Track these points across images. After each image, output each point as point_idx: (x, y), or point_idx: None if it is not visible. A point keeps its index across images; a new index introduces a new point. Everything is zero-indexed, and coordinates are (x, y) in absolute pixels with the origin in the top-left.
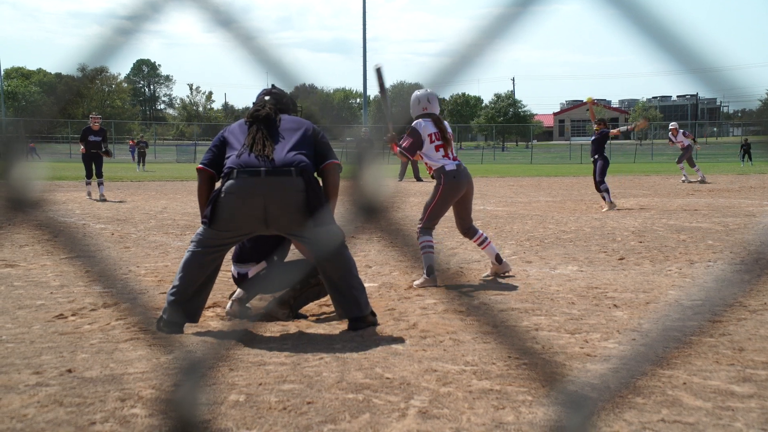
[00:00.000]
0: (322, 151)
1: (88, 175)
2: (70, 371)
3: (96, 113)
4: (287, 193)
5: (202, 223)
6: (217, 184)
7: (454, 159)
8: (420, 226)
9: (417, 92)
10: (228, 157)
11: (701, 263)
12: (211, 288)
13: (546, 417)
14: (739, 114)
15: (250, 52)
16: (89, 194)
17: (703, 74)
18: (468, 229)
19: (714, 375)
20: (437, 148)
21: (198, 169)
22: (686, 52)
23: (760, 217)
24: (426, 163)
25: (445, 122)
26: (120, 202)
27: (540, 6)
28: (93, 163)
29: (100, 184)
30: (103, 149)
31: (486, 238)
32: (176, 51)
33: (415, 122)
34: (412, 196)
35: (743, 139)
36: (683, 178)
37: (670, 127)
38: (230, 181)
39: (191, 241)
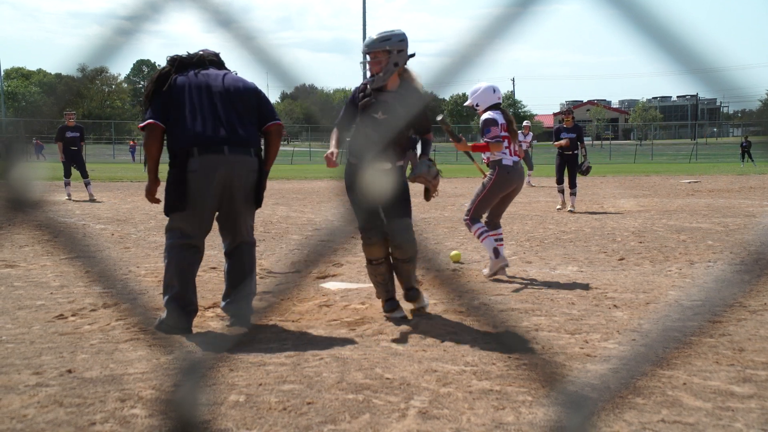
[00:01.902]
0: (265, 112)
1: (67, 174)
2: (70, 371)
3: (70, 110)
4: (246, 172)
5: (171, 210)
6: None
7: (514, 154)
8: (467, 217)
9: (488, 84)
10: (178, 121)
11: (701, 264)
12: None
13: (546, 417)
14: (739, 114)
15: (250, 52)
16: (69, 195)
17: (703, 74)
18: (494, 224)
19: (714, 375)
20: (503, 138)
21: (150, 125)
22: (686, 53)
23: (760, 217)
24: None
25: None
26: (102, 202)
27: (540, 6)
28: (74, 162)
29: (87, 184)
30: (80, 146)
31: (500, 238)
32: (176, 51)
33: (488, 114)
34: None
35: (743, 138)
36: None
37: (523, 125)
38: (192, 160)
39: (167, 232)
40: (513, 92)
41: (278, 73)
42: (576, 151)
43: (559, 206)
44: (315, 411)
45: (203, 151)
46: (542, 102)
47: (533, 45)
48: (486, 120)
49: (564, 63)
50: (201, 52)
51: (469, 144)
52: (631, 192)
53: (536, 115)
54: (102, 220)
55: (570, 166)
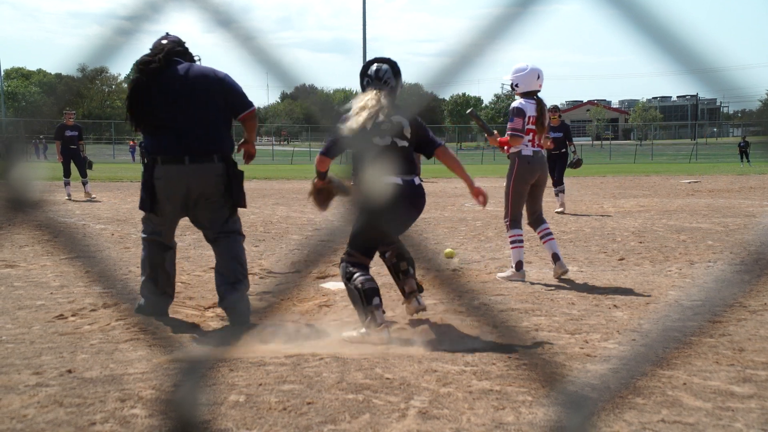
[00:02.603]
0: (235, 103)
1: (66, 174)
2: (70, 372)
3: (69, 109)
4: (209, 178)
5: (141, 208)
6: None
7: (537, 146)
8: (507, 219)
9: (534, 67)
10: (147, 130)
11: (701, 264)
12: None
13: (546, 417)
14: (739, 114)
15: (250, 52)
16: (69, 195)
17: (702, 74)
18: (537, 219)
19: (714, 375)
20: (527, 132)
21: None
22: (686, 52)
23: (760, 217)
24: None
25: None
26: (102, 202)
27: (540, 6)
28: (72, 161)
29: (84, 183)
30: (82, 148)
31: (550, 233)
32: None
33: (519, 102)
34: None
35: (741, 138)
36: None
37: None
38: (157, 168)
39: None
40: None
41: (278, 73)
42: (563, 150)
43: (558, 209)
44: (315, 411)
45: (166, 161)
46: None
47: (533, 45)
48: (514, 108)
49: (564, 63)
50: (164, 43)
51: (499, 138)
52: (631, 192)
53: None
54: (102, 220)
55: (557, 166)
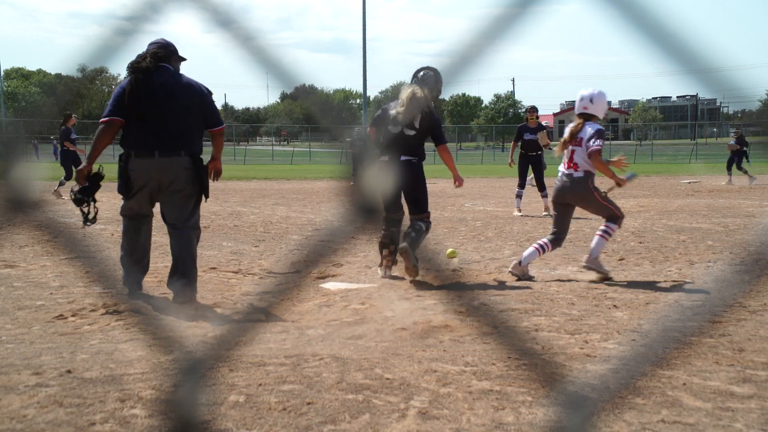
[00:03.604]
0: (209, 116)
1: (69, 176)
2: (69, 372)
3: (69, 112)
4: (176, 171)
5: (119, 192)
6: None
7: (571, 167)
8: (620, 221)
9: (602, 91)
10: (130, 125)
11: (701, 264)
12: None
13: (546, 417)
14: (739, 114)
15: (250, 52)
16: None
17: (702, 75)
18: (562, 238)
19: (714, 376)
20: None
21: (110, 121)
22: (686, 53)
23: (759, 217)
24: None
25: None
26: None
27: (539, 6)
28: (75, 163)
29: (62, 184)
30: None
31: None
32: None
33: (599, 125)
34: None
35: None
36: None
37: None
38: (131, 160)
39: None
40: (513, 92)
41: (278, 74)
42: (540, 152)
43: (516, 212)
44: (315, 411)
45: (138, 154)
46: (542, 102)
47: (533, 45)
48: (598, 131)
49: (564, 63)
50: (152, 49)
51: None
52: (631, 192)
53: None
54: (102, 220)
55: (535, 169)
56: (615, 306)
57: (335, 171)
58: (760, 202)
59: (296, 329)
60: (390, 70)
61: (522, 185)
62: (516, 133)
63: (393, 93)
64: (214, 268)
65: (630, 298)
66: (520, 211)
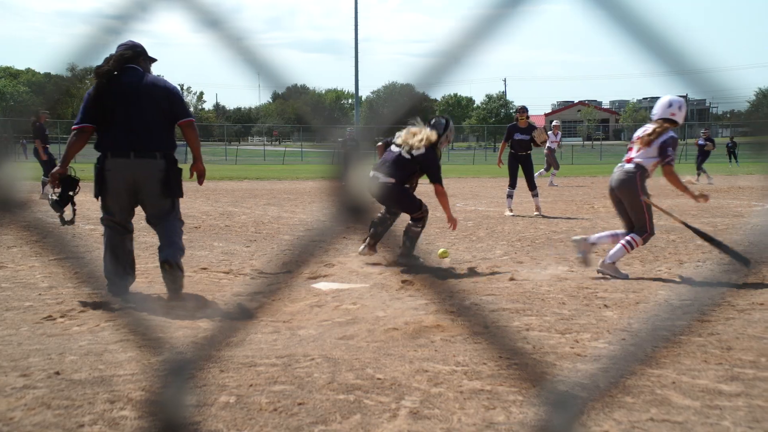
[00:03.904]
0: (175, 109)
1: (48, 174)
2: (58, 373)
3: (44, 110)
4: (151, 172)
5: (96, 195)
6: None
7: (627, 160)
8: (647, 234)
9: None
10: (101, 128)
11: (690, 263)
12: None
13: (537, 417)
14: (728, 115)
15: (240, 52)
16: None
17: (689, 76)
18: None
19: (702, 374)
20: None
21: (80, 129)
22: (671, 54)
23: (748, 217)
24: None
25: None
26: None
27: (529, 6)
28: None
29: (45, 183)
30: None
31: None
32: (167, 51)
33: (674, 133)
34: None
35: (729, 138)
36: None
37: (553, 124)
38: (107, 161)
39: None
40: (504, 93)
41: (269, 74)
42: (530, 152)
43: (508, 212)
44: (306, 412)
45: (115, 155)
46: (534, 102)
47: (525, 46)
48: (675, 139)
49: (555, 64)
50: (119, 52)
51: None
52: None
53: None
54: (92, 220)
55: (525, 168)
56: (605, 305)
57: (325, 171)
58: (749, 202)
59: (287, 329)
60: (382, 71)
61: (513, 185)
62: (506, 132)
63: (385, 93)
64: (205, 269)
65: (620, 298)
66: (511, 211)
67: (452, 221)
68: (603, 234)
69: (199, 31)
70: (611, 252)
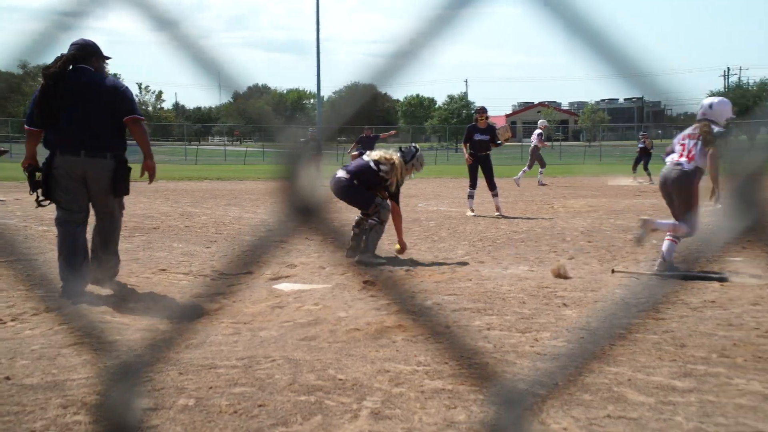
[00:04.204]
0: (121, 107)
1: None
2: (8, 378)
3: None
4: (99, 170)
5: (45, 194)
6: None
7: (684, 157)
8: (692, 231)
9: (723, 99)
10: (50, 127)
11: (646, 262)
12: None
13: (492, 415)
14: (682, 117)
15: (201, 51)
16: None
17: (636, 78)
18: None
19: (657, 371)
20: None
21: (29, 130)
22: (617, 56)
23: (700, 217)
24: None
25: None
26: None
27: (484, 7)
28: None
29: None
30: None
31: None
32: (124, 48)
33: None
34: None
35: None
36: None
37: (539, 123)
38: (56, 158)
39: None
40: (466, 93)
41: (230, 73)
42: (489, 152)
43: (469, 212)
44: (266, 413)
45: (64, 153)
46: (494, 103)
47: (485, 46)
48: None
49: (516, 65)
50: (70, 51)
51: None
52: (581, 192)
53: (489, 116)
54: (45, 221)
55: (485, 169)
56: (564, 304)
57: (275, 170)
58: (702, 202)
59: (248, 331)
60: (343, 70)
61: (473, 185)
62: (465, 133)
63: (347, 93)
64: (164, 270)
65: (579, 297)
66: (473, 211)
67: (401, 245)
68: (665, 222)
69: (159, 29)
70: (664, 250)
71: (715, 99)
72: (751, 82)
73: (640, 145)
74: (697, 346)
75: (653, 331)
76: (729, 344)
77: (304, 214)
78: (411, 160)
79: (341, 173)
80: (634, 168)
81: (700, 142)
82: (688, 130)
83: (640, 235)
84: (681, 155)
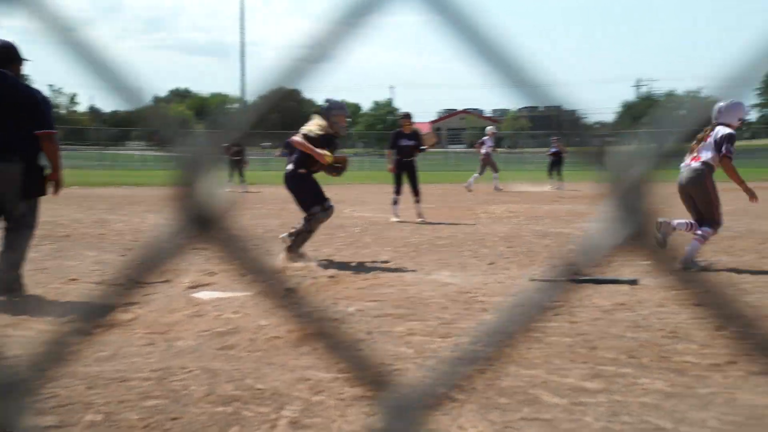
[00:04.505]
0: (35, 118)
1: None
2: None
3: None
4: (9, 175)
5: None
6: None
7: (693, 160)
8: (717, 227)
9: (735, 101)
10: None
11: (562, 267)
12: None
13: (379, 419)
14: (597, 125)
15: (114, 54)
16: None
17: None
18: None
19: (570, 373)
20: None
21: None
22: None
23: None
24: None
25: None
26: None
27: (384, 16)
28: None
29: None
30: None
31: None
32: (36, 48)
33: (731, 130)
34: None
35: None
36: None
37: (487, 130)
38: None
39: None
40: (392, 100)
41: (147, 77)
42: (414, 158)
43: (394, 218)
44: (180, 426)
45: None
46: (420, 109)
47: (411, 52)
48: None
49: (440, 71)
50: None
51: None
52: (502, 198)
53: (414, 122)
54: None
55: (409, 175)
56: (484, 309)
57: (170, 177)
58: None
59: (164, 341)
60: (268, 74)
61: (398, 191)
62: (390, 139)
63: (273, 98)
64: (74, 279)
65: (499, 301)
66: (397, 217)
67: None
68: (681, 221)
69: (69, 30)
70: (688, 249)
71: (725, 102)
72: (659, 92)
73: (553, 149)
74: (607, 348)
75: (567, 334)
76: (636, 345)
77: (199, 224)
78: (329, 115)
79: (288, 165)
80: (550, 173)
81: (705, 143)
82: (700, 135)
83: (661, 237)
84: (691, 159)
